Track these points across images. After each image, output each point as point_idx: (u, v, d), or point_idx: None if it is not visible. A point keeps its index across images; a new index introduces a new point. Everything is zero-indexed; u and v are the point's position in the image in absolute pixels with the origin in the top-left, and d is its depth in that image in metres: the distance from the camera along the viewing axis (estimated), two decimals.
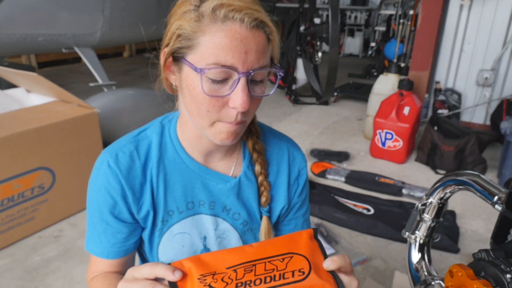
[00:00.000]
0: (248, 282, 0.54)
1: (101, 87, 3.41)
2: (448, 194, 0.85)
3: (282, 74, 0.68)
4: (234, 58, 0.60)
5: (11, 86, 2.74)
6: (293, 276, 0.55)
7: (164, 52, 0.68)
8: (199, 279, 0.55)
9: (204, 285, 0.54)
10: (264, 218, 0.82)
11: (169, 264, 0.57)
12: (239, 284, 0.54)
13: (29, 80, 2.37)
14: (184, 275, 0.56)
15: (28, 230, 2.06)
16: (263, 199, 0.81)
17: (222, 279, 0.54)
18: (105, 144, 2.38)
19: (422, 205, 0.88)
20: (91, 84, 3.36)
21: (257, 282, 0.54)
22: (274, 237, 0.78)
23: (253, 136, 0.81)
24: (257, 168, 0.81)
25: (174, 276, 0.54)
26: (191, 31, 0.62)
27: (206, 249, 0.81)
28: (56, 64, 6.75)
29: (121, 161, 0.74)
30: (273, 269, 0.56)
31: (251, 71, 0.62)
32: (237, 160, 0.82)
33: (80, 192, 2.27)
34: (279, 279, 0.55)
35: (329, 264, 0.59)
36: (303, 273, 0.56)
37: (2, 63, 3.84)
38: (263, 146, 0.83)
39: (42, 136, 2.02)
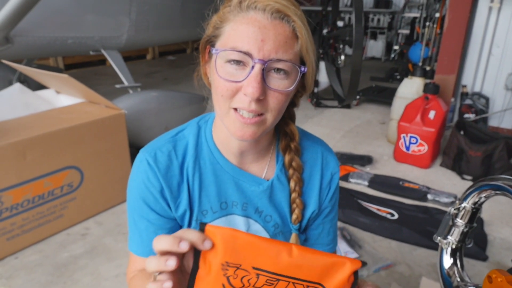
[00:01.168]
0: None
1: (126, 89, 3.48)
2: (482, 199, 0.83)
3: (304, 70, 0.67)
4: (250, 44, 0.62)
5: (40, 87, 2.83)
6: None
7: (201, 43, 0.72)
8: (222, 265, 0.53)
9: (224, 275, 0.53)
10: (293, 236, 0.82)
11: (205, 226, 0.53)
12: None
13: (59, 81, 2.44)
14: (212, 249, 0.52)
15: (57, 227, 2.11)
16: (294, 216, 0.81)
17: (241, 279, 0.53)
18: (131, 144, 2.43)
19: (455, 209, 0.87)
20: (117, 86, 3.43)
21: None
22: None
23: (291, 153, 0.81)
24: (292, 184, 0.81)
25: (203, 246, 0.51)
26: (220, 20, 0.67)
27: None
28: (82, 66, 6.91)
29: (159, 160, 0.75)
30: None
31: (268, 61, 0.62)
32: (270, 163, 0.82)
33: (107, 191, 2.32)
34: None
35: None
36: None
37: (31, 65, 3.96)
38: (301, 164, 0.82)
39: (72, 136, 2.08)
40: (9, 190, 1.86)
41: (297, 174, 0.81)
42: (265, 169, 0.82)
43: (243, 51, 0.62)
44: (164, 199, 0.76)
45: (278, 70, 0.65)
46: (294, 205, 0.81)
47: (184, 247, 0.49)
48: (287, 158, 0.81)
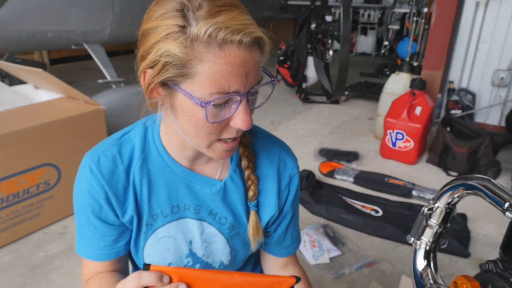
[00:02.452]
0: None
1: (110, 84, 3.41)
2: (456, 199, 0.81)
3: (277, 83, 0.66)
4: (237, 84, 0.57)
5: (22, 82, 2.76)
6: None
7: (145, 73, 0.61)
8: None
9: None
10: (252, 213, 0.79)
11: (149, 267, 0.57)
12: None
13: (37, 76, 2.38)
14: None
15: (33, 226, 2.06)
16: (251, 193, 0.78)
17: None
18: None
19: (428, 209, 0.84)
20: (100, 81, 3.36)
21: None
22: (262, 231, 0.80)
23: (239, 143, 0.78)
24: (244, 162, 0.78)
25: (163, 281, 0.55)
26: (185, 58, 0.55)
27: (192, 253, 0.79)
28: (68, 61, 6.81)
29: (103, 166, 0.71)
30: None
31: (251, 91, 0.60)
32: (224, 163, 0.79)
33: None
34: None
35: None
36: None
37: (14, 59, 3.88)
38: (250, 139, 0.80)
39: (48, 132, 2.02)
40: None
41: (248, 150, 0.78)
42: (219, 170, 0.78)
43: (231, 92, 0.57)
44: (110, 205, 0.72)
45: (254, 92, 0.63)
46: (250, 182, 0.78)
47: (166, 281, 0.56)
48: (240, 148, 0.79)
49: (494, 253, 2.01)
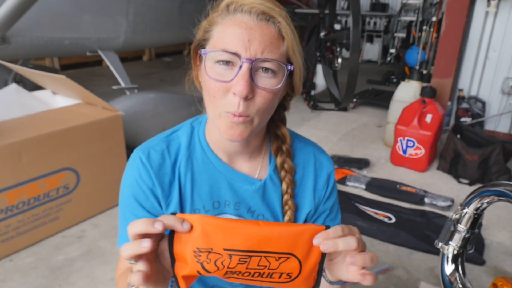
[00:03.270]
0: (237, 273, 0.55)
1: (123, 90, 3.46)
2: (485, 205, 0.83)
3: (291, 68, 0.69)
4: (237, 45, 0.64)
5: (36, 87, 2.81)
6: (279, 277, 0.57)
7: (192, 48, 0.75)
8: (194, 251, 0.54)
9: (197, 261, 0.54)
10: None
11: (174, 215, 0.55)
12: (228, 272, 0.55)
13: (55, 82, 2.42)
14: (182, 236, 0.54)
15: (52, 229, 2.09)
16: (286, 218, 0.82)
17: (215, 262, 0.54)
18: (127, 146, 2.41)
19: (456, 215, 0.87)
20: (114, 87, 3.41)
21: (246, 274, 0.56)
22: None
23: (283, 155, 0.82)
24: (284, 187, 0.81)
25: (182, 227, 0.53)
26: (209, 24, 0.69)
27: None
28: (78, 67, 6.88)
29: (152, 159, 0.76)
30: (266, 266, 0.56)
31: (255, 60, 0.64)
32: (263, 163, 0.83)
33: (103, 193, 2.30)
34: (267, 277, 0.56)
35: (318, 243, 0.56)
36: (290, 277, 0.57)
37: (27, 65, 3.93)
38: (293, 167, 0.83)
39: (68, 137, 2.06)
40: (4, 192, 1.83)
41: (289, 176, 0.81)
42: (258, 169, 0.82)
43: (231, 51, 0.64)
44: (155, 196, 0.76)
45: (266, 69, 0.66)
46: (287, 207, 0.82)
47: (158, 227, 0.51)
48: (278, 160, 0.81)
49: (509, 261, 2.03)
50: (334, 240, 0.55)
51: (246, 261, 0.55)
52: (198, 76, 0.76)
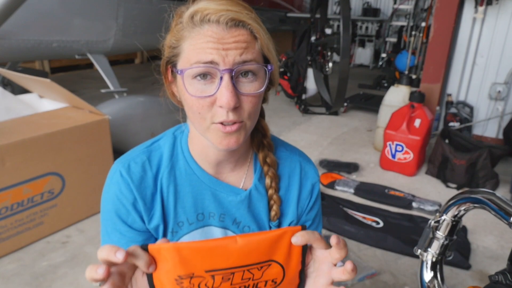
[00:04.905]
0: None
1: (112, 94, 3.44)
2: (462, 212, 0.83)
3: (271, 69, 0.68)
4: (213, 55, 0.62)
5: (24, 91, 2.78)
6: (265, 285, 0.57)
7: (162, 65, 0.73)
8: (176, 280, 0.53)
9: None
10: None
11: (147, 246, 0.51)
12: None
13: (42, 86, 2.40)
14: (161, 267, 0.52)
15: (36, 235, 2.06)
16: (273, 213, 0.80)
17: (199, 285, 0.54)
18: (115, 150, 2.39)
19: (435, 222, 0.86)
20: (103, 91, 3.39)
21: None
22: None
23: (264, 149, 0.80)
24: (267, 181, 0.80)
25: (116, 257, 0.47)
26: (175, 40, 0.66)
27: None
28: (69, 70, 6.84)
29: (133, 171, 0.74)
30: (249, 278, 0.56)
31: (234, 67, 0.63)
32: (248, 172, 0.81)
33: (89, 198, 2.28)
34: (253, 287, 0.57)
35: (296, 240, 0.55)
36: (275, 282, 0.58)
37: (16, 68, 3.90)
38: (275, 159, 0.81)
39: (53, 141, 2.04)
40: None
41: (272, 170, 0.80)
42: (243, 179, 0.80)
43: (208, 61, 0.62)
44: (137, 211, 0.74)
45: (245, 73, 0.65)
46: (272, 202, 0.80)
47: (119, 257, 0.47)
48: (261, 155, 0.80)
49: (494, 265, 2.04)
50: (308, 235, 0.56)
51: (229, 278, 0.55)
52: (173, 92, 0.74)
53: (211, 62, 0.62)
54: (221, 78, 0.62)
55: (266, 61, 0.69)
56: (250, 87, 0.66)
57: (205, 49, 0.62)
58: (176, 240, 0.77)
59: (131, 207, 0.74)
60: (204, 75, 0.64)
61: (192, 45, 0.64)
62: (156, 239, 0.78)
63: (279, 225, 0.83)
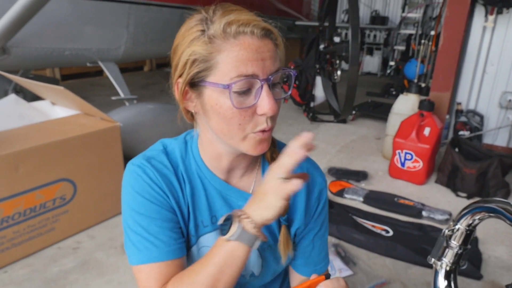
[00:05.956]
0: None
1: (122, 101, 3.48)
2: (476, 221, 0.83)
3: (295, 73, 0.72)
4: (254, 67, 0.63)
5: (36, 98, 2.82)
6: None
7: (178, 83, 0.69)
8: None
9: None
10: (283, 228, 0.81)
11: None
12: None
13: (55, 93, 2.44)
14: None
15: (48, 240, 2.08)
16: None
17: None
18: (126, 157, 2.41)
19: (449, 231, 0.86)
20: (113, 98, 3.43)
21: None
22: (291, 245, 0.82)
23: (270, 147, 0.82)
24: None
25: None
26: (207, 53, 0.64)
27: None
28: (79, 77, 6.92)
29: (156, 167, 0.75)
30: None
31: (270, 76, 0.65)
32: (257, 177, 0.83)
33: (100, 204, 2.30)
34: None
35: None
36: None
37: (28, 75, 3.96)
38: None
39: (66, 148, 2.06)
40: (0, 202, 1.83)
41: None
42: (253, 184, 0.82)
43: (249, 74, 0.63)
44: (170, 194, 0.75)
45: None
46: None
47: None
48: (267, 153, 0.81)
49: (506, 275, 2.01)
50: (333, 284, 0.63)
51: None
52: (188, 108, 0.74)
53: (253, 75, 0.64)
54: (261, 87, 0.65)
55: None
56: (279, 92, 0.70)
57: (246, 61, 0.63)
58: (194, 241, 0.78)
59: (167, 190, 0.74)
60: (246, 90, 0.65)
61: (230, 57, 0.63)
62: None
63: (288, 220, 0.83)
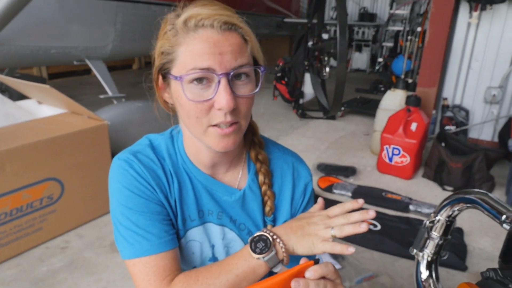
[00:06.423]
0: None
1: (110, 99, 3.46)
2: (456, 212, 0.85)
3: (264, 70, 0.71)
4: (210, 60, 0.63)
5: (22, 97, 2.79)
6: None
7: (154, 73, 0.73)
8: None
9: None
10: (269, 227, 0.82)
11: None
12: None
13: (41, 91, 2.42)
14: None
15: (35, 240, 2.07)
16: (267, 208, 0.82)
17: None
18: (114, 156, 2.40)
19: (430, 222, 0.88)
20: (101, 96, 3.41)
21: None
22: None
23: (255, 147, 0.83)
24: (261, 178, 0.82)
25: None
26: (170, 46, 0.67)
27: (214, 257, 0.82)
28: (66, 76, 6.85)
29: (142, 160, 0.75)
30: None
31: (231, 71, 0.65)
32: (242, 172, 0.83)
33: (88, 203, 2.29)
34: None
35: (310, 275, 0.60)
36: None
37: (14, 74, 3.92)
38: (266, 156, 0.84)
39: (53, 147, 2.05)
40: None
41: (265, 167, 0.82)
42: (238, 178, 0.82)
43: (205, 67, 0.64)
44: (159, 188, 0.75)
45: (239, 75, 0.67)
46: (266, 197, 0.82)
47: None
48: (252, 153, 0.82)
49: (490, 266, 2.05)
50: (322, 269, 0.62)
51: None
52: (165, 99, 0.75)
53: (208, 69, 0.64)
54: (219, 82, 0.65)
55: (255, 62, 0.72)
56: (245, 89, 0.68)
57: (202, 55, 0.64)
58: (182, 235, 0.79)
59: (154, 184, 0.74)
60: (200, 79, 0.65)
61: (188, 50, 0.65)
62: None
63: (274, 220, 0.85)
